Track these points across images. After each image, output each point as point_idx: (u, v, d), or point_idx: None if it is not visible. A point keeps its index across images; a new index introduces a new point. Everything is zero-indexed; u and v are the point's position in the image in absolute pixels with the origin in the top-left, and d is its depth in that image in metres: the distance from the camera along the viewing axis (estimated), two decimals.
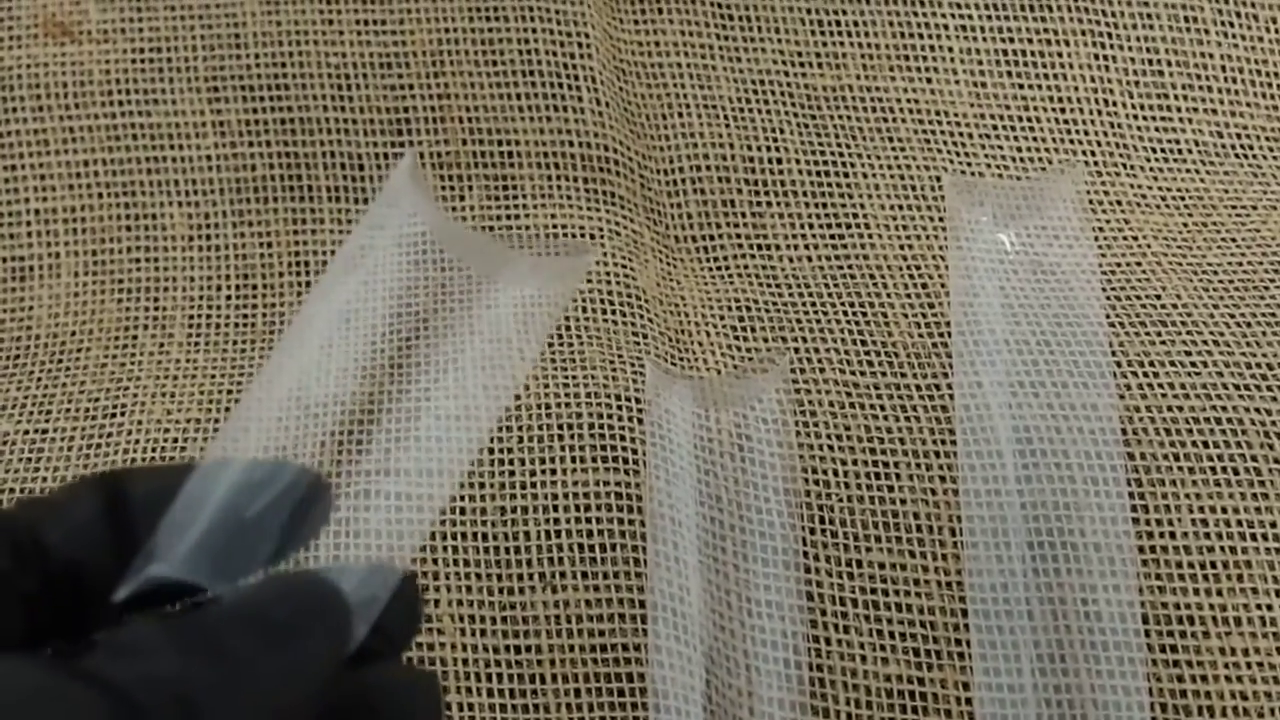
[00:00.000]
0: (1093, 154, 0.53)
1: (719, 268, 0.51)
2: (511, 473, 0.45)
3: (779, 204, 0.52)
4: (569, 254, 0.27)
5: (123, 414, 0.47)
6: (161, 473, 0.27)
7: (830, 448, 0.45)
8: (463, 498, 0.44)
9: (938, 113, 0.53)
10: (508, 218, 0.51)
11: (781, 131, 0.53)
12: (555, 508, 0.44)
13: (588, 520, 0.44)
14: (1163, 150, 0.53)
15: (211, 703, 0.22)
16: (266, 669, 0.24)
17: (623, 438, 0.45)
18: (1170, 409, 0.45)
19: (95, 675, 0.22)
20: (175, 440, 0.46)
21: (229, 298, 0.50)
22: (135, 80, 0.53)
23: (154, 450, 0.46)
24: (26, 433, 0.47)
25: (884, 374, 0.47)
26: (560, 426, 0.45)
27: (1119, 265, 0.49)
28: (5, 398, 0.48)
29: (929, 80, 0.54)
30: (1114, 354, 0.46)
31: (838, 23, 0.55)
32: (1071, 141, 0.53)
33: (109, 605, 0.26)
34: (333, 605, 0.26)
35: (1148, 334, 0.47)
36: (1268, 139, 0.53)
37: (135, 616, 0.25)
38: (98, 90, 0.53)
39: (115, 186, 0.52)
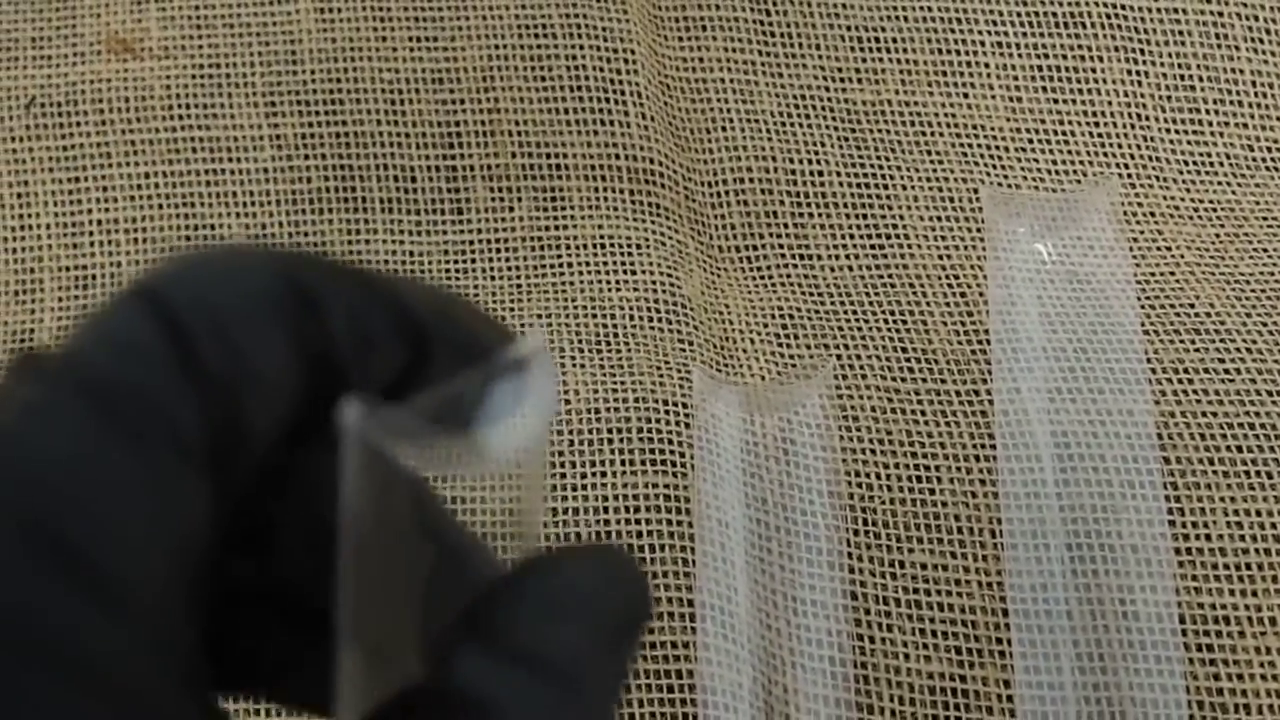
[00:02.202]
0: (1126, 167, 0.54)
1: (762, 277, 0.52)
2: (563, 475, 0.46)
3: (820, 215, 0.53)
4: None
5: None
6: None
7: (872, 451, 0.46)
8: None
9: (974, 127, 0.54)
10: (556, 228, 0.52)
11: (822, 145, 0.54)
12: (605, 509, 0.45)
13: (637, 521, 0.45)
14: (1195, 163, 0.54)
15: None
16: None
17: (670, 441, 0.46)
18: (1205, 415, 0.46)
19: None
20: None
21: None
22: (195, 95, 0.54)
23: None
24: None
25: (924, 380, 0.48)
26: (609, 431, 0.47)
27: (1153, 275, 0.51)
28: None
29: (966, 95, 0.55)
30: (1149, 361, 0.47)
31: (877, 40, 0.56)
32: (1105, 155, 0.54)
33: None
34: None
35: (1182, 342, 0.48)
36: None
37: None
38: (158, 105, 0.54)
39: (175, 198, 0.53)
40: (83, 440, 0.17)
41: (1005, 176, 0.53)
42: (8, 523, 0.16)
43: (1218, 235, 0.52)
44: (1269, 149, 0.54)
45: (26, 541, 0.16)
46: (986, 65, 0.55)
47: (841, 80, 0.55)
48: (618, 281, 0.51)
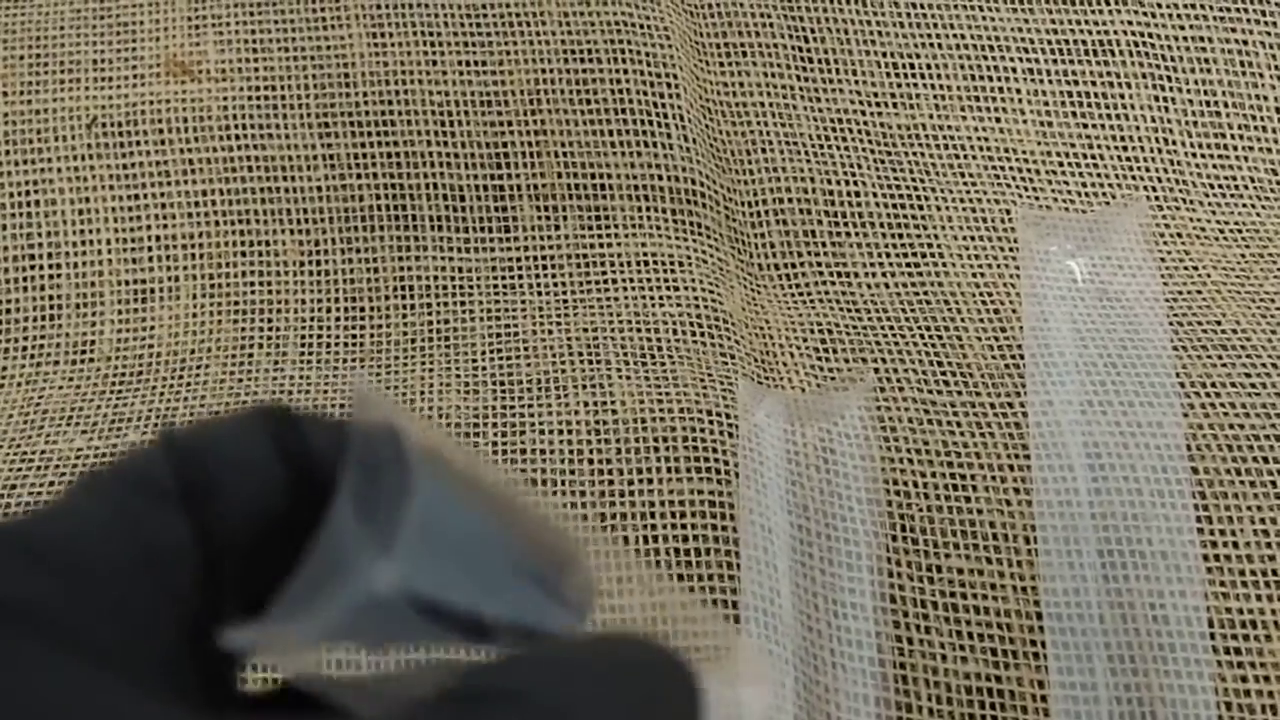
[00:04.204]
0: (1154, 189, 0.55)
1: (801, 294, 0.53)
2: (610, 482, 0.48)
3: (857, 234, 0.54)
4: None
5: None
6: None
7: (910, 461, 0.48)
8: (567, 505, 0.47)
9: (1006, 150, 0.56)
10: (600, 246, 0.54)
11: (859, 167, 0.56)
12: (652, 515, 0.47)
13: (683, 526, 0.46)
14: (1220, 186, 0.56)
15: None
16: None
17: (714, 450, 0.48)
18: (1232, 427, 0.48)
19: None
20: None
21: (338, 319, 0.53)
22: (251, 116, 0.56)
23: None
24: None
25: (960, 393, 0.50)
26: (655, 440, 0.48)
27: (1181, 293, 0.52)
28: (130, 410, 0.51)
29: (998, 120, 0.57)
30: (1178, 376, 0.49)
31: (912, 66, 0.58)
32: (1133, 178, 0.56)
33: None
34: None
35: (1209, 357, 0.50)
36: None
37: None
38: (216, 125, 0.56)
39: (231, 215, 0.55)
40: (81, 487, 0.23)
41: (1036, 198, 0.55)
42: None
43: (1243, 256, 0.54)
44: None
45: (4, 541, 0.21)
46: (1018, 91, 0.57)
47: (877, 105, 0.57)
48: (661, 297, 0.53)
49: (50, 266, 0.54)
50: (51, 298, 0.54)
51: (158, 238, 0.55)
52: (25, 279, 0.54)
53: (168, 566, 0.22)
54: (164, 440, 0.23)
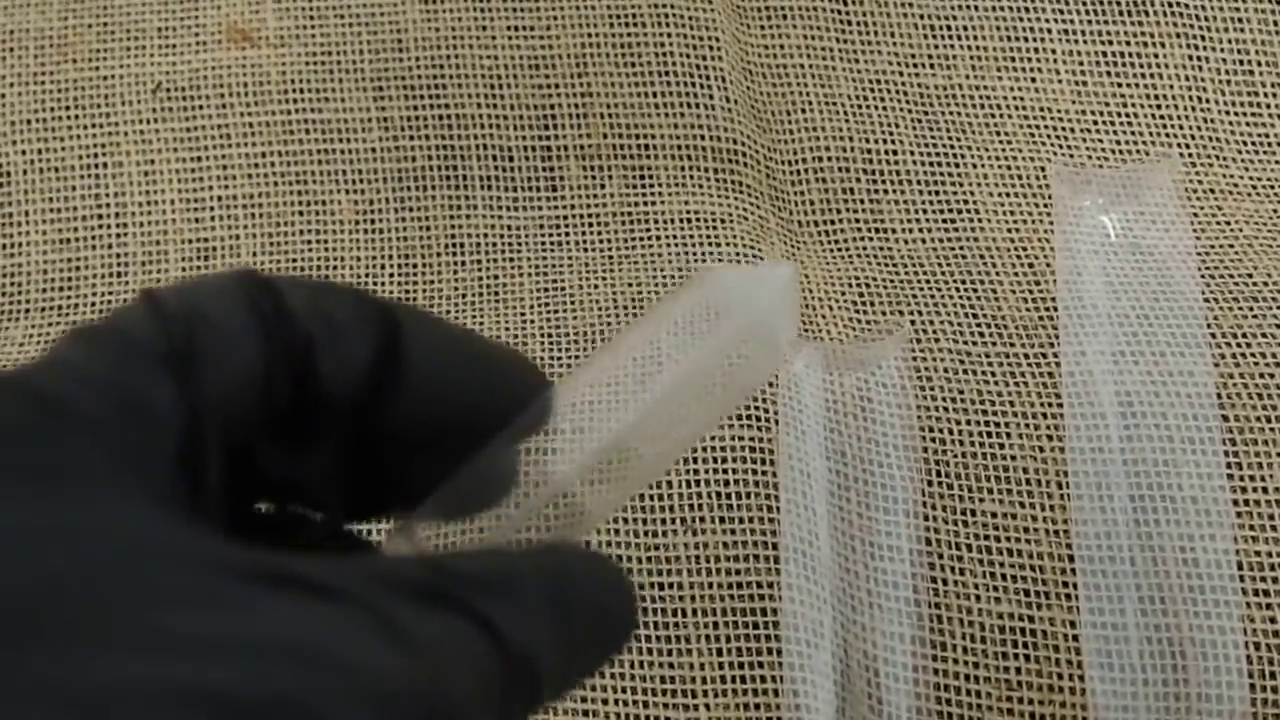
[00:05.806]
0: (1187, 147, 0.56)
1: (840, 249, 0.55)
2: None
3: (895, 192, 0.56)
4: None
5: None
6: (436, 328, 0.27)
7: (945, 409, 0.49)
8: None
9: (1042, 109, 0.57)
10: (645, 204, 0.56)
11: (897, 126, 0.57)
12: (695, 459, 0.48)
13: (725, 470, 0.48)
14: (1253, 143, 0.56)
15: (552, 683, 0.23)
16: (591, 661, 0.25)
17: (755, 397, 0.49)
18: (1262, 376, 0.49)
19: (486, 619, 0.22)
20: None
21: (392, 275, 0.55)
22: (308, 81, 0.58)
23: None
24: None
25: (994, 344, 0.51)
26: None
27: (1213, 247, 0.53)
28: None
29: (1033, 79, 0.58)
30: (1209, 327, 0.50)
31: (948, 26, 0.59)
32: (1167, 136, 0.57)
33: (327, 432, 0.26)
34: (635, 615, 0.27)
35: (1240, 309, 0.51)
36: None
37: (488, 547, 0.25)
38: (274, 90, 0.58)
39: (289, 176, 0.57)
40: (74, 340, 0.24)
41: (1071, 156, 0.56)
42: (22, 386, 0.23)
43: (1275, 211, 0.55)
44: None
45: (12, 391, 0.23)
46: (1053, 50, 0.58)
47: (915, 65, 0.58)
48: (703, 254, 0.54)
49: (117, 225, 0.56)
50: (119, 255, 0.56)
51: (219, 198, 0.57)
52: (94, 238, 0.56)
53: (155, 423, 0.23)
54: (150, 302, 0.24)
